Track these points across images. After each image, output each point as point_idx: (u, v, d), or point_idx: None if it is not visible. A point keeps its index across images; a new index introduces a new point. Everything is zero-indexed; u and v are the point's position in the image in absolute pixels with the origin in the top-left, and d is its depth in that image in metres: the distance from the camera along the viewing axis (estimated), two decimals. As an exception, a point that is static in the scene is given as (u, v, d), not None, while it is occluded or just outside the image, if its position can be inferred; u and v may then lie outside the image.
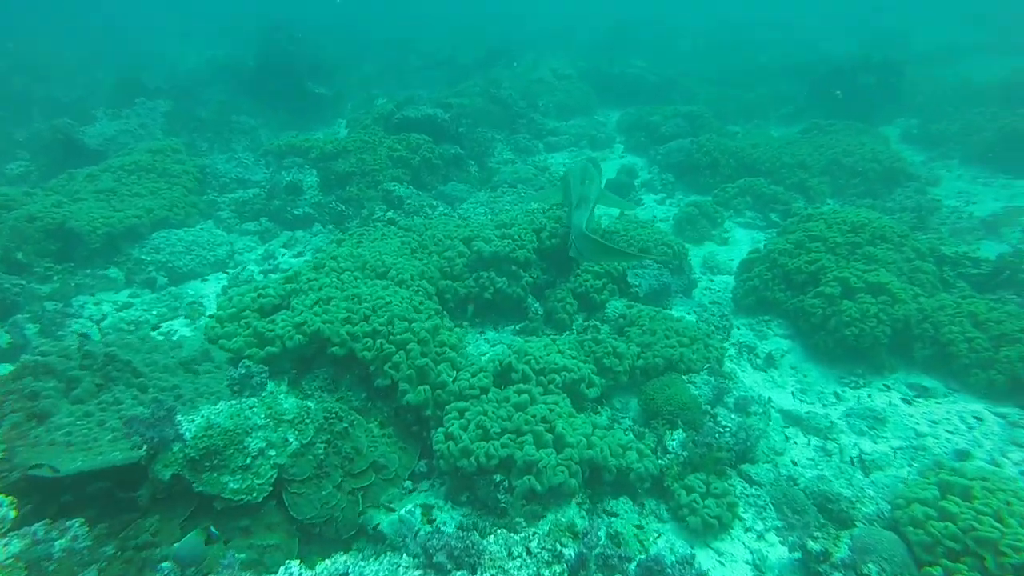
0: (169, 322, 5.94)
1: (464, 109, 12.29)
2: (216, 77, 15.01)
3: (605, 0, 30.89)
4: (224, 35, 18.96)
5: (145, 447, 3.10)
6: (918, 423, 4.46)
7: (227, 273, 6.91)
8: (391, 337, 4.38)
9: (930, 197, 8.77)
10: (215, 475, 3.25)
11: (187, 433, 3.26)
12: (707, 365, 4.98)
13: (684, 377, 4.74)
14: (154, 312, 5.92)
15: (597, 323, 5.74)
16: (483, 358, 5.16)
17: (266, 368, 3.94)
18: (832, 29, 25.34)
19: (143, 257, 6.60)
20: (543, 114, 13.22)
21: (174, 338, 5.65)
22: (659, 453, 4.13)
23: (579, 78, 16.08)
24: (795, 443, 4.47)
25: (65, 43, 20.01)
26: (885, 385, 5.00)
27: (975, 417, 4.39)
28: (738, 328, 6.13)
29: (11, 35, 19.46)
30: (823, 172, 9.40)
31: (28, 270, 6.33)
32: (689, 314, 6.26)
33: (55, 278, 6.29)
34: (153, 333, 5.40)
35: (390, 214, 7.55)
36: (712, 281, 7.34)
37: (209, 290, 6.61)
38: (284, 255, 7.41)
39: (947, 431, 4.32)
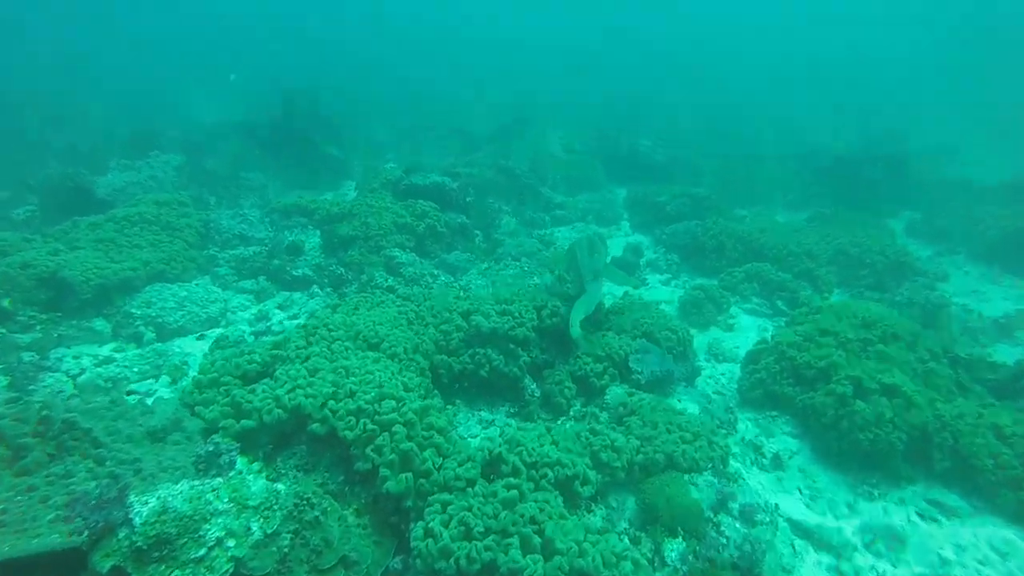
0: (150, 381, 5.69)
1: (473, 179, 12.41)
2: (232, 133, 15.36)
3: (614, 76, 32.20)
4: (244, 94, 19.61)
5: (87, 532, 2.79)
6: (942, 547, 4.08)
7: (212, 332, 6.70)
8: (376, 417, 4.10)
9: (939, 293, 8.61)
10: (162, 568, 2.92)
11: (137, 518, 2.95)
12: (711, 464, 4.66)
13: (686, 476, 4.42)
14: (135, 369, 5.67)
15: (596, 410, 5.47)
16: (473, 443, 4.86)
17: (236, 445, 3.66)
18: (830, 122, 26.11)
19: (133, 311, 6.42)
20: (551, 187, 13.36)
21: (152, 399, 5.39)
22: (656, 564, 3.77)
23: (588, 153, 16.40)
24: (805, 560, 4.10)
25: (90, 94, 20.67)
26: (902, 499, 4.65)
27: (1006, 546, 4.02)
28: (744, 423, 5.83)
29: (35, 84, 20.19)
30: (830, 262, 9.30)
31: (12, 318, 6.14)
32: (692, 404, 5.98)
33: (37, 328, 6.09)
34: (128, 397, 5.13)
35: (390, 281, 7.42)
36: (716, 369, 7.10)
37: (197, 349, 6.39)
38: (278, 317, 7.22)
39: (976, 560, 3.94)
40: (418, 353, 5.49)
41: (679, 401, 6.03)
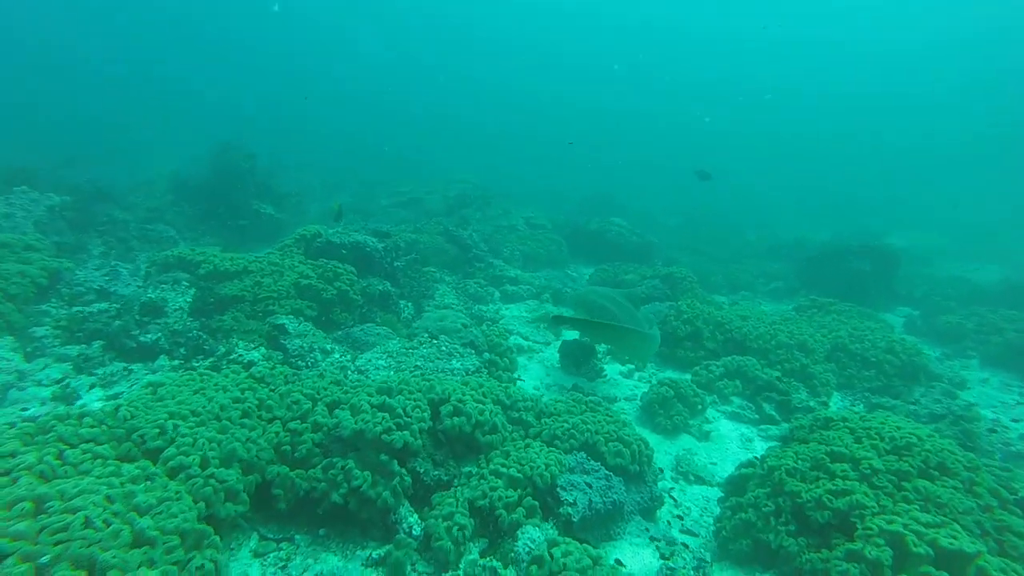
0: None
1: (417, 245, 10.89)
2: (160, 184, 13.85)
3: (585, 171, 31.87)
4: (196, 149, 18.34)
5: None
6: None
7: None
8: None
9: (964, 403, 6.95)
10: None
11: None
12: None
13: None
14: None
15: (498, 565, 3.56)
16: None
17: None
18: (809, 221, 25.71)
19: None
20: (506, 260, 11.81)
21: None
22: None
23: (553, 230, 15.06)
24: None
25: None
26: None
27: None
28: (724, 587, 3.93)
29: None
30: (828, 358, 7.66)
31: None
32: (648, 553, 4.08)
33: None
34: None
35: (254, 354, 5.58)
36: (687, 494, 5.27)
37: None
38: (94, 396, 5.28)
39: None
40: (232, 464, 3.59)
41: (628, 548, 4.13)
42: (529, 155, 34.39)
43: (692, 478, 5.53)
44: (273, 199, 13.25)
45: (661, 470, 5.43)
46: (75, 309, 6.60)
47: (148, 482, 3.05)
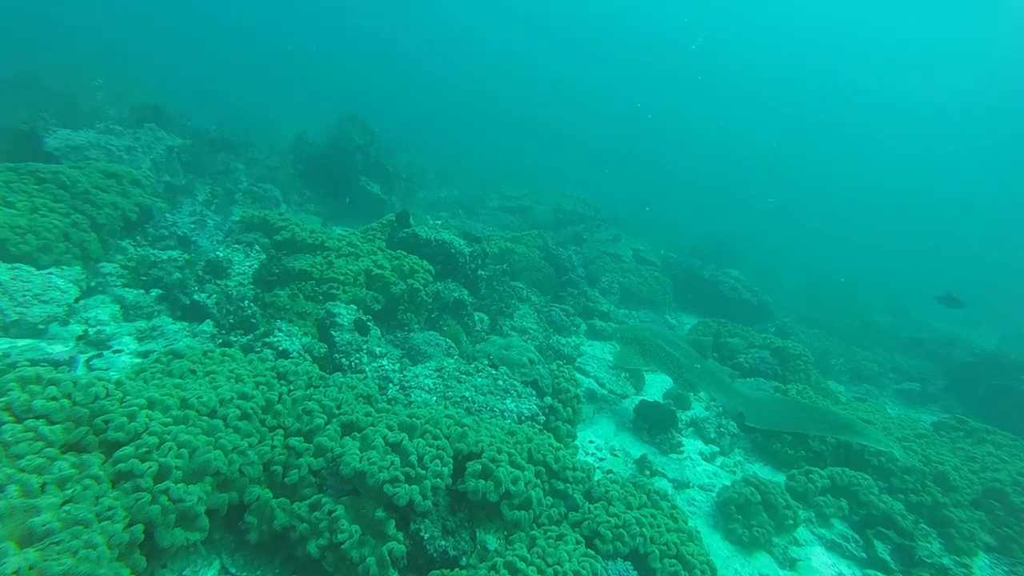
0: None
1: (511, 255, 10.19)
2: (289, 150, 14.17)
3: (709, 208, 29.85)
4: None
5: None
6: None
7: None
8: None
9: None
10: None
11: None
12: None
13: None
14: None
15: None
16: None
17: None
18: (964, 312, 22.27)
19: None
20: (602, 292, 10.80)
21: None
22: None
23: (662, 268, 13.80)
24: None
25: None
26: None
27: None
28: None
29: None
30: (975, 504, 6.01)
31: None
32: None
33: None
34: None
35: (295, 342, 5.05)
36: (755, 642, 4.11)
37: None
38: (127, 347, 4.95)
39: None
40: (202, 479, 2.99)
41: None
42: (652, 184, 32.95)
43: (765, 621, 4.35)
44: (382, 178, 13.10)
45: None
46: (150, 251, 6.47)
47: (80, 487, 2.47)
